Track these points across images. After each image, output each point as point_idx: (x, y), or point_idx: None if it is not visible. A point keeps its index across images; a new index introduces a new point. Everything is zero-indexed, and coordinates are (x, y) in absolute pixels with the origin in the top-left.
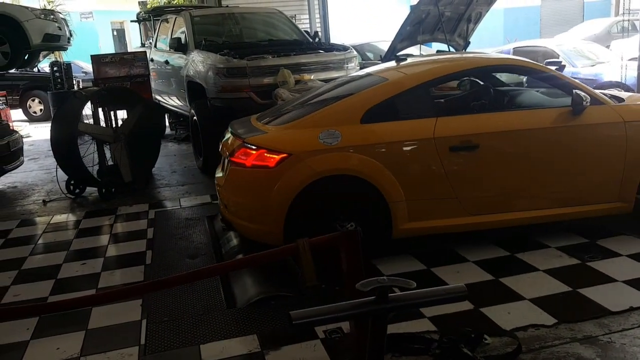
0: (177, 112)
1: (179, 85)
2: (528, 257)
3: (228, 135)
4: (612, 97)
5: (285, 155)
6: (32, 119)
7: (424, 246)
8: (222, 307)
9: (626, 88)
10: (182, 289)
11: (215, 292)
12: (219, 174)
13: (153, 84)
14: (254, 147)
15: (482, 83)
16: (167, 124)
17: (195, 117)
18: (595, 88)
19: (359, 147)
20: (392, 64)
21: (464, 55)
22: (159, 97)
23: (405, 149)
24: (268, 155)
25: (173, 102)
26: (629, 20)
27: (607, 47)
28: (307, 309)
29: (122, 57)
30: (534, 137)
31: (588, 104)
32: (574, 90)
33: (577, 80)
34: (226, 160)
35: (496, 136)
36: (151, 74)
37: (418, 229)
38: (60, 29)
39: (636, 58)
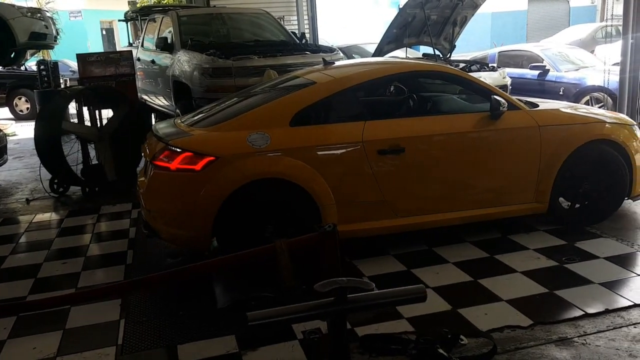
0: (163, 112)
1: (165, 85)
2: (507, 259)
3: (150, 137)
4: (527, 102)
5: (212, 158)
6: (18, 117)
7: (405, 247)
8: (202, 307)
9: (609, 93)
10: (162, 288)
11: (195, 292)
12: (141, 178)
13: (140, 84)
14: (178, 150)
15: (405, 88)
16: (153, 123)
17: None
18: (578, 92)
19: (288, 150)
20: (320, 66)
21: (391, 60)
22: (145, 97)
23: (334, 152)
24: (194, 158)
25: (159, 101)
26: (612, 26)
27: (592, 52)
28: (264, 310)
29: (107, 57)
30: (456, 141)
31: (505, 109)
32: (492, 96)
33: (494, 86)
34: (148, 164)
35: (421, 140)
36: (138, 73)
37: (348, 231)
38: (46, 28)
39: (619, 63)
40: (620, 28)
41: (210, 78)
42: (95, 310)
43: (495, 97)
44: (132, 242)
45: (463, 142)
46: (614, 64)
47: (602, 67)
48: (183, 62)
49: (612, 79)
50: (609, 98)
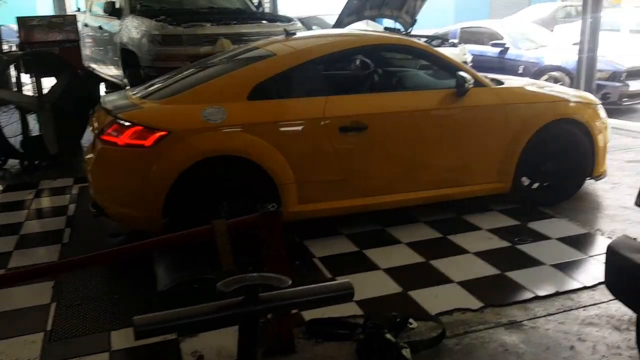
0: (113, 82)
1: (114, 52)
2: (459, 239)
3: (98, 110)
4: (493, 80)
5: (163, 133)
6: None
7: (358, 227)
8: (140, 290)
9: (567, 72)
10: (99, 270)
11: (134, 275)
12: (88, 154)
13: (87, 51)
14: (127, 124)
15: (370, 63)
16: (102, 94)
17: (128, 87)
18: (537, 71)
19: (246, 126)
20: (281, 37)
21: (356, 32)
22: (93, 65)
23: (294, 128)
24: (144, 132)
25: (109, 71)
26: (572, 6)
27: (551, 31)
28: (156, 313)
29: (50, 21)
30: (420, 119)
31: (471, 85)
32: (458, 72)
33: (461, 63)
34: (96, 139)
35: (384, 117)
36: (86, 40)
37: (308, 211)
38: None
39: (579, 43)
40: (580, 8)
41: (160, 46)
42: (24, 293)
43: (461, 73)
44: (71, 220)
45: (428, 120)
46: (574, 44)
47: (560, 47)
48: (131, 28)
49: (570, 58)
50: (566, 77)
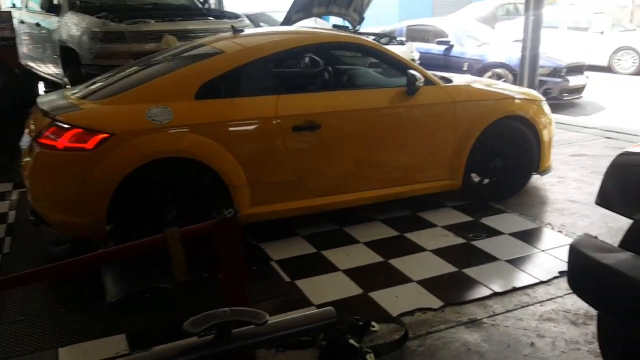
0: (52, 80)
1: (53, 50)
2: (416, 237)
3: (35, 112)
4: (442, 78)
5: (106, 135)
6: None
7: (314, 227)
8: (87, 302)
9: (509, 69)
10: (41, 282)
11: (81, 286)
12: (25, 158)
13: (25, 49)
14: (66, 126)
15: (320, 61)
16: (40, 94)
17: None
18: (481, 68)
19: (194, 126)
20: (228, 34)
21: (305, 30)
22: (31, 64)
23: (245, 128)
24: (84, 135)
25: (47, 69)
26: (512, 4)
27: (493, 28)
28: None
29: None
30: (372, 117)
31: (421, 84)
32: (408, 71)
33: (411, 61)
34: (33, 142)
35: (337, 115)
36: (22, 37)
37: (261, 213)
38: None
39: (520, 40)
40: (519, 6)
41: (101, 43)
42: None
43: (412, 71)
44: (11, 228)
45: (381, 118)
46: (515, 41)
47: (502, 44)
48: (71, 25)
49: (512, 55)
50: (509, 74)
